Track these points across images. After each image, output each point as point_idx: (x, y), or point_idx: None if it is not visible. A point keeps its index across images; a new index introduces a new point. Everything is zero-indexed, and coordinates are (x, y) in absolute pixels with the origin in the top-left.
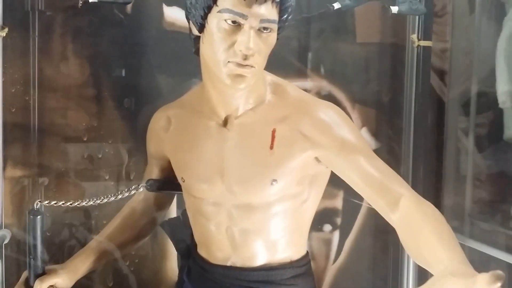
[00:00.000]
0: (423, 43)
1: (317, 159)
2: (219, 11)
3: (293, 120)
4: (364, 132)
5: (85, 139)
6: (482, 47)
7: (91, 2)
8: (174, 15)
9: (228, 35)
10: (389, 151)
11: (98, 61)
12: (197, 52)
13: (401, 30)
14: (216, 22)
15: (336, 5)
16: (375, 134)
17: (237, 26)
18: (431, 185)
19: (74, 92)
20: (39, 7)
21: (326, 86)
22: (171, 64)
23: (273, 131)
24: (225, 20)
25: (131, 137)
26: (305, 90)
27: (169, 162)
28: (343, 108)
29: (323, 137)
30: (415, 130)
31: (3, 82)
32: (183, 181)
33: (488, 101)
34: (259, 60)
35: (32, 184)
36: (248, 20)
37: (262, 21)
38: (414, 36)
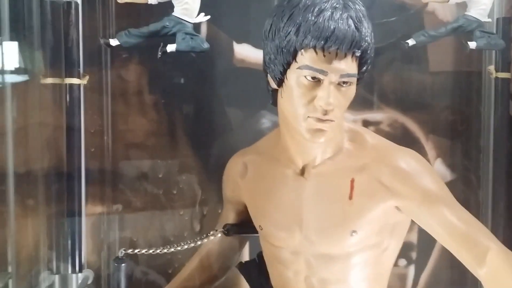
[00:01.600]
0: (501, 75)
1: (397, 208)
2: (298, 67)
3: (372, 170)
4: (439, 163)
5: (160, 175)
6: None
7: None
8: (244, 52)
9: (308, 90)
10: (465, 182)
11: (171, 97)
12: (274, 103)
13: (477, 59)
14: (296, 77)
15: (411, 42)
16: (450, 165)
17: (316, 81)
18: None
19: (147, 128)
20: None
21: (398, 117)
22: (241, 98)
23: (352, 181)
24: (305, 76)
25: (203, 171)
26: (377, 122)
27: (245, 206)
28: (416, 139)
29: (404, 187)
30: (494, 160)
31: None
32: (261, 229)
33: None
34: (339, 113)
35: (108, 221)
36: (328, 75)
37: (341, 76)
38: (491, 68)
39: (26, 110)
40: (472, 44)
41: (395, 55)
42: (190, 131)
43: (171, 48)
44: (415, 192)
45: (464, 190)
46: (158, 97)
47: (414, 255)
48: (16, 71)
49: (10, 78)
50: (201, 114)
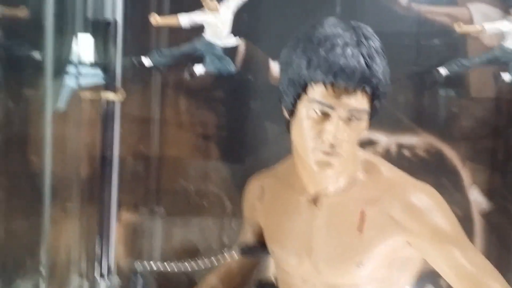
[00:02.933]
0: None
1: (408, 242)
2: (308, 101)
3: (384, 203)
4: (475, 190)
5: (192, 187)
6: None
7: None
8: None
9: (317, 123)
10: (502, 212)
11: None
12: (288, 131)
13: None
14: (306, 110)
15: (443, 71)
16: (487, 193)
17: (325, 115)
18: None
19: (186, 140)
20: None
21: (434, 142)
22: (276, 113)
23: (362, 213)
24: (314, 110)
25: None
26: (412, 146)
27: (262, 227)
28: (453, 166)
29: (414, 223)
30: None
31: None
32: (273, 253)
33: None
34: (348, 147)
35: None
36: (336, 110)
37: (350, 111)
38: None
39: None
40: (506, 77)
41: (436, 78)
42: (227, 144)
43: (199, 69)
44: (425, 229)
45: (501, 221)
46: (198, 115)
47: (443, 282)
48: None
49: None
50: (237, 128)
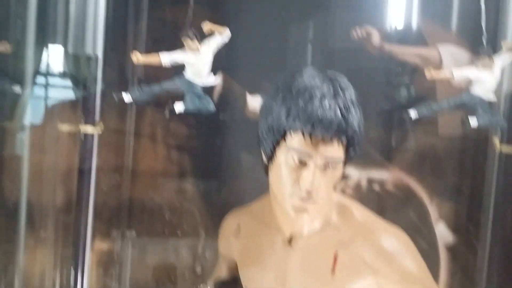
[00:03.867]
0: (506, 148)
1: (379, 284)
2: (287, 148)
3: (357, 246)
4: (442, 226)
5: (167, 217)
6: None
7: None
8: (257, 104)
9: (294, 170)
10: (467, 245)
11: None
12: (266, 174)
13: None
14: (284, 157)
15: (413, 114)
16: (453, 227)
17: (303, 163)
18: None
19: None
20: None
21: (403, 177)
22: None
23: (335, 255)
24: (292, 157)
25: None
26: (382, 181)
27: (237, 264)
28: (421, 201)
29: (385, 266)
30: (493, 226)
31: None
32: None
33: None
34: (323, 194)
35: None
36: (313, 158)
37: (327, 159)
38: (496, 141)
39: (43, 150)
40: (474, 122)
41: (404, 116)
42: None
43: (178, 108)
44: (395, 272)
45: (466, 253)
46: (170, 143)
47: None
48: None
49: None
50: (213, 161)
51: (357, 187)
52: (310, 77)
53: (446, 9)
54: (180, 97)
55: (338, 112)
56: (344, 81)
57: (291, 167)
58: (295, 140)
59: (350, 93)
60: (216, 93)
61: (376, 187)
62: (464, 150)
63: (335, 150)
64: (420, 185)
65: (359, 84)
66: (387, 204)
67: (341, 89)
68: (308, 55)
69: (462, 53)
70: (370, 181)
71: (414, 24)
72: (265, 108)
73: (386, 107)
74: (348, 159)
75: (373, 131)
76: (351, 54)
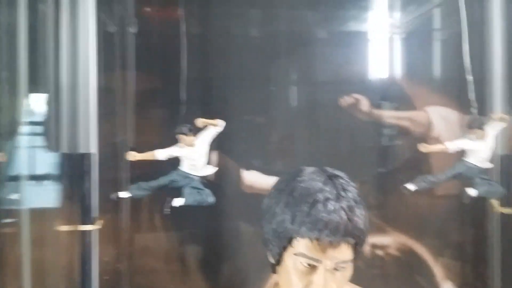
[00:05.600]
0: (505, 210)
1: None
2: (295, 253)
3: None
4: (449, 285)
5: None
6: None
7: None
8: (253, 178)
9: (304, 275)
10: None
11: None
12: (273, 272)
13: None
14: (292, 262)
15: (412, 187)
16: (460, 286)
17: (312, 267)
18: None
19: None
20: None
21: (406, 241)
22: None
23: None
24: (301, 262)
25: None
26: (385, 246)
27: None
28: (425, 263)
29: None
30: (502, 279)
31: None
32: None
33: None
34: None
35: None
36: (323, 263)
37: (336, 262)
38: (495, 203)
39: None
40: (472, 192)
41: (400, 178)
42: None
43: (178, 202)
44: None
45: None
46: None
47: None
48: None
49: None
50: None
51: (360, 254)
52: (311, 179)
53: (432, 72)
54: (179, 190)
55: (343, 214)
56: (344, 180)
57: (301, 271)
58: (302, 246)
59: (352, 191)
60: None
61: (380, 252)
62: (463, 210)
63: (344, 252)
64: (423, 247)
65: (353, 150)
66: (391, 269)
67: (344, 189)
68: None
69: (451, 114)
70: (373, 247)
71: (401, 88)
72: (268, 211)
73: (381, 171)
74: (356, 256)
75: (371, 197)
76: (342, 120)
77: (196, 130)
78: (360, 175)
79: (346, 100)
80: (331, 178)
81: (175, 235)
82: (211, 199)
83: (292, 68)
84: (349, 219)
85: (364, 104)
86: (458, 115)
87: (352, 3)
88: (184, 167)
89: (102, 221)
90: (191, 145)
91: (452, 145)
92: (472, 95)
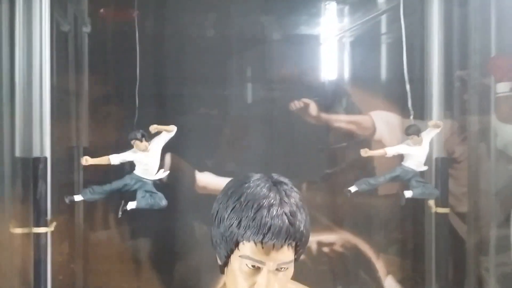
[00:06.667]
0: (440, 210)
1: None
2: (240, 256)
3: None
4: (390, 279)
5: None
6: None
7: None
8: (206, 179)
9: (249, 276)
10: None
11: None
12: (222, 273)
13: None
14: (238, 264)
15: (353, 189)
16: (401, 281)
17: (256, 268)
18: None
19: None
20: None
21: (351, 238)
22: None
23: None
24: (246, 264)
25: None
26: (331, 243)
27: None
28: (368, 259)
29: None
30: (437, 273)
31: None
32: None
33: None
34: None
35: None
36: (267, 264)
37: (279, 263)
38: (431, 203)
39: None
40: (408, 193)
41: (346, 179)
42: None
43: (131, 205)
44: None
45: None
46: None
47: None
48: None
49: None
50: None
51: (308, 250)
52: (256, 185)
53: (375, 77)
54: (132, 194)
55: (285, 219)
56: (289, 186)
57: (246, 273)
58: (247, 249)
59: (295, 197)
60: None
61: (326, 249)
62: (403, 209)
63: (286, 254)
64: (366, 244)
65: (302, 152)
66: (337, 265)
67: (287, 196)
68: None
69: (393, 117)
70: (320, 244)
71: (346, 92)
72: (216, 216)
73: (329, 172)
74: (298, 257)
75: (319, 197)
76: (292, 124)
77: (149, 135)
78: (309, 175)
79: (296, 104)
80: (276, 184)
81: (129, 235)
82: (163, 202)
83: (246, 69)
84: (291, 223)
85: (312, 108)
86: (400, 119)
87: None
88: (138, 171)
89: (55, 223)
90: (144, 150)
91: (391, 150)
92: (409, 103)
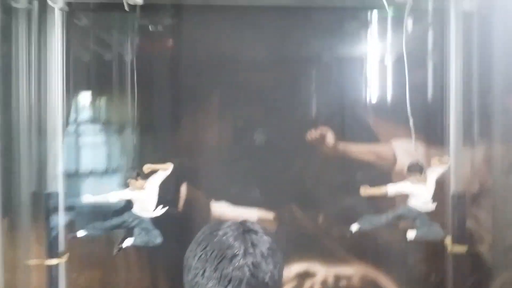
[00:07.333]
0: (457, 248)
1: None
2: None
3: None
4: None
5: None
6: None
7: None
8: (220, 209)
9: None
10: None
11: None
12: None
13: None
14: None
15: (355, 228)
16: None
17: None
18: None
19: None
20: None
21: (369, 272)
22: None
23: None
24: None
25: None
26: (349, 276)
27: None
28: None
29: None
30: None
31: None
32: None
33: None
34: None
35: None
36: None
37: None
38: (448, 241)
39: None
40: (412, 233)
41: (364, 210)
42: None
43: (128, 242)
44: None
45: None
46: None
47: None
48: None
49: None
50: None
51: (324, 283)
52: (224, 234)
53: (396, 104)
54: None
55: (247, 271)
56: (258, 235)
57: None
58: None
59: (263, 246)
60: (181, 204)
61: (343, 283)
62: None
63: None
64: (386, 278)
65: (318, 185)
66: None
67: (253, 245)
68: None
69: (417, 147)
70: (337, 278)
71: (366, 121)
72: (186, 264)
73: (345, 205)
74: None
75: (336, 228)
76: (307, 156)
77: (144, 174)
78: (325, 208)
79: (312, 133)
80: (244, 233)
81: (147, 265)
82: (158, 240)
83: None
84: (253, 275)
85: (329, 137)
86: (425, 147)
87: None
88: (135, 208)
89: (68, 254)
90: (141, 188)
91: (392, 189)
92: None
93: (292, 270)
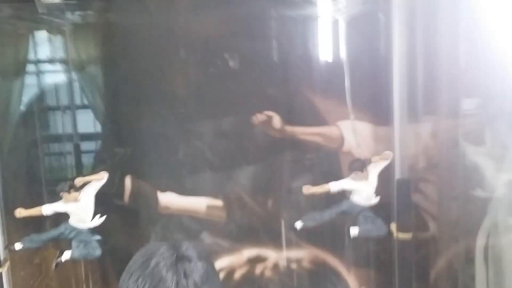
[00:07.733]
0: (402, 235)
1: None
2: None
3: None
4: None
5: None
6: None
7: None
8: (167, 199)
9: None
10: None
11: None
12: None
13: None
14: None
15: (299, 225)
16: None
17: None
18: None
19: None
20: None
21: (320, 254)
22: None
23: None
24: None
25: None
26: (299, 259)
27: None
28: (339, 274)
29: None
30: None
31: None
32: None
33: None
34: None
35: None
36: None
37: None
38: (393, 227)
39: None
40: (354, 231)
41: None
42: None
43: (66, 256)
44: None
45: None
46: None
47: None
48: None
49: None
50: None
51: (275, 267)
52: (156, 265)
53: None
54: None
55: None
56: (191, 264)
57: None
58: None
59: (196, 276)
60: (126, 196)
61: (294, 266)
62: None
63: None
64: (336, 259)
65: (269, 167)
66: (306, 281)
67: (186, 276)
68: None
69: (363, 125)
70: (288, 261)
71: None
72: (122, 286)
73: (295, 185)
74: None
75: (286, 212)
76: (256, 139)
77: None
78: (273, 190)
79: (258, 117)
80: (177, 262)
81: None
82: (97, 252)
83: None
84: None
85: (276, 120)
86: (372, 127)
87: None
88: (72, 220)
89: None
90: (75, 200)
91: (334, 186)
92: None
93: (243, 255)
